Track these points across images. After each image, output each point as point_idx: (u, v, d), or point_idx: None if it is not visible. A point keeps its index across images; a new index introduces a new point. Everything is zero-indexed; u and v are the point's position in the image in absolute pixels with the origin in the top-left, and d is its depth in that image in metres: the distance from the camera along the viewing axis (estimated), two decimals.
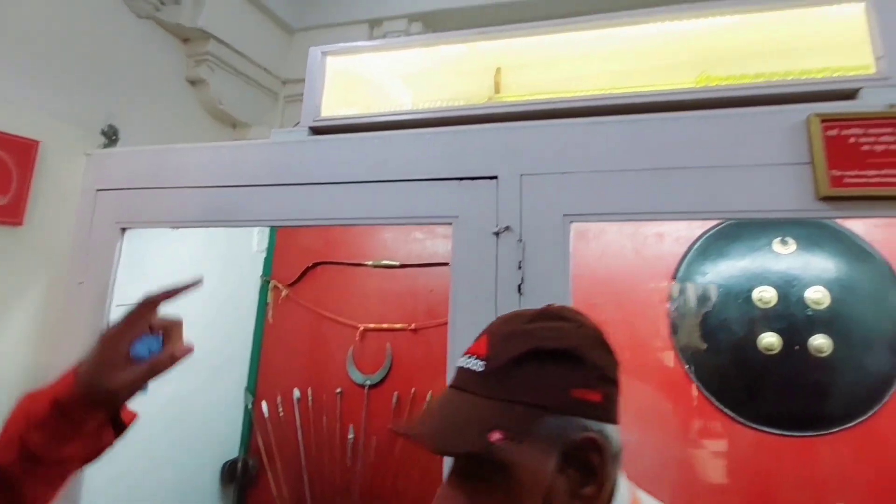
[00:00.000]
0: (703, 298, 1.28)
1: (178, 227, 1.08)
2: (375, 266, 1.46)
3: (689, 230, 1.36)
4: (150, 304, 0.57)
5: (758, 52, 1.04)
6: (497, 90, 1.08)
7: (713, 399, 1.22)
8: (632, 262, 1.38)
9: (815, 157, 0.80)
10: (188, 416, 1.34)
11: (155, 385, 0.58)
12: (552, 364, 0.45)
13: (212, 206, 1.06)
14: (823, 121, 0.81)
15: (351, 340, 1.47)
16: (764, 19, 0.99)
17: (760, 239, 1.28)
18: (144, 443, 1.17)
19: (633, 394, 1.29)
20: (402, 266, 1.44)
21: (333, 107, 1.07)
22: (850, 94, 0.87)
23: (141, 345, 0.57)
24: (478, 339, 0.50)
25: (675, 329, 1.29)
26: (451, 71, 1.17)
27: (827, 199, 0.78)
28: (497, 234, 0.88)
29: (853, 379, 1.16)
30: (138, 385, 0.56)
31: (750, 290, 1.23)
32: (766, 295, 1.22)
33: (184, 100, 1.37)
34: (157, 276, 1.28)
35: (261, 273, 1.57)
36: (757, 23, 1.01)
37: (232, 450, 1.48)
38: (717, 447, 1.24)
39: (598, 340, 0.48)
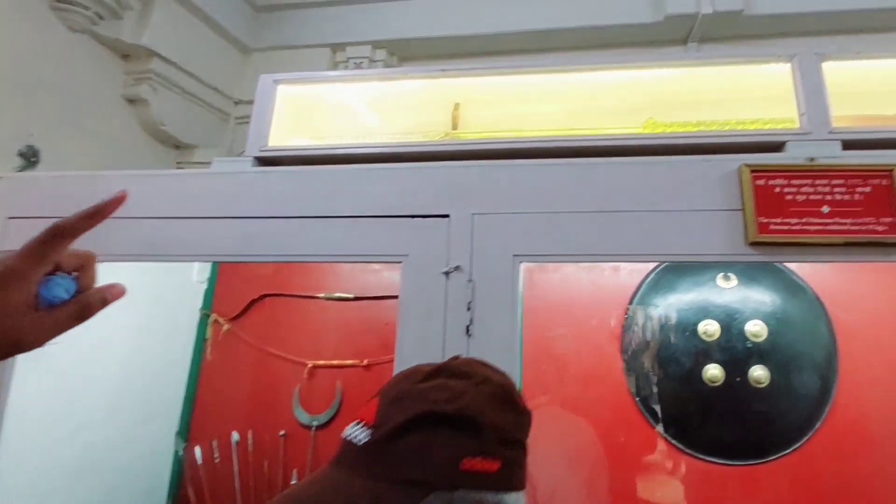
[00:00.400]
0: (653, 331, 1.32)
1: (100, 262, 1.00)
2: (328, 299, 1.41)
3: (644, 263, 1.42)
4: (60, 235, 0.43)
5: (700, 102, 1.12)
6: (454, 126, 1.10)
7: (661, 430, 1.26)
8: (589, 293, 1.41)
9: (746, 205, 0.86)
10: (107, 464, 1.21)
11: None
12: (445, 430, 0.41)
13: (144, 240, 0.99)
14: (752, 171, 0.88)
15: (298, 378, 1.40)
16: (705, 72, 1.07)
17: (706, 274, 1.34)
18: (57, 496, 1.05)
19: (584, 423, 1.31)
20: (357, 298, 1.40)
21: (284, 136, 1.04)
22: (777, 147, 0.95)
23: (53, 286, 0.44)
24: (370, 400, 0.46)
25: (626, 361, 1.32)
26: (411, 103, 1.18)
27: (755, 244, 0.84)
28: (447, 273, 0.88)
29: (788, 407, 1.23)
30: (53, 334, 0.44)
31: (696, 324, 1.29)
32: (710, 328, 1.28)
33: (121, 119, 1.30)
34: None
35: (200, 306, 1.47)
36: (699, 75, 1.09)
37: (158, 502, 1.35)
38: (666, 477, 1.27)
39: (502, 398, 0.45)
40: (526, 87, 1.10)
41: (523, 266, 0.89)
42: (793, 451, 1.21)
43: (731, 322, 1.28)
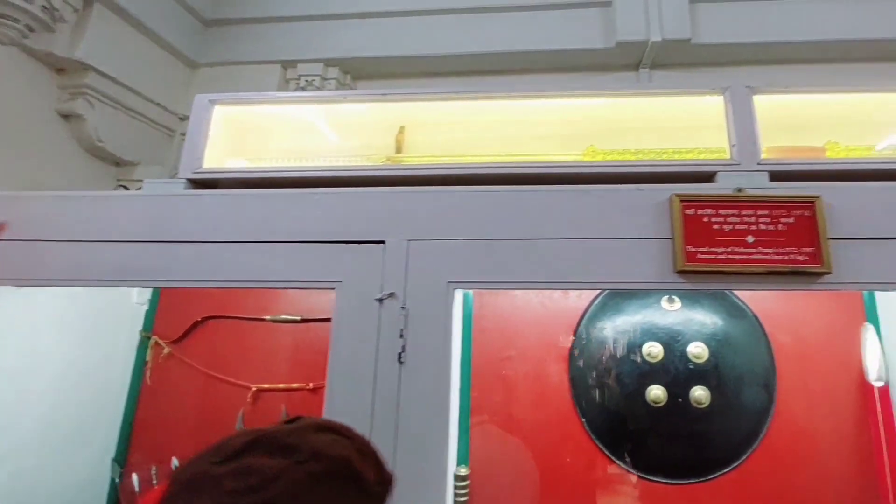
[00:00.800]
0: (599, 353, 1.34)
1: (22, 286, 0.96)
2: (274, 321, 1.38)
3: (575, 290, 1.44)
4: None
5: (641, 129, 1.15)
6: (398, 150, 1.10)
7: (606, 450, 1.27)
8: (538, 316, 1.43)
9: (675, 234, 0.88)
10: (38, 492, 1.15)
11: None
12: None
13: (72, 263, 0.96)
14: (682, 201, 0.90)
15: (242, 402, 1.36)
16: (644, 102, 1.11)
17: (651, 296, 1.37)
18: None
19: (531, 446, 1.31)
20: (304, 321, 1.38)
21: (220, 157, 1.02)
22: (709, 177, 0.98)
23: None
24: (160, 483, 0.39)
25: (573, 382, 1.34)
26: (356, 125, 1.18)
27: (682, 272, 0.86)
28: (381, 300, 0.87)
29: (728, 427, 1.26)
30: None
31: (640, 346, 1.31)
32: (653, 350, 1.31)
33: (56, 136, 1.25)
34: (4, 335, 1.14)
35: (141, 328, 1.42)
36: (638, 105, 1.12)
37: None
38: (610, 497, 1.28)
39: (335, 476, 0.37)
40: (471, 112, 1.11)
41: (458, 293, 0.89)
42: (732, 469, 1.24)
43: (673, 344, 1.31)
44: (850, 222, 0.88)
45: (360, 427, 0.81)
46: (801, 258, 0.87)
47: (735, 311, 1.36)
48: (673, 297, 1.37)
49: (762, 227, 0.89)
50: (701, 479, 1.24)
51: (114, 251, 0.96)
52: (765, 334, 1.35)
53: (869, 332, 1.36)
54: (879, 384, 1.29)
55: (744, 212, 0.90)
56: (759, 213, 0.90)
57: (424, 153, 1.09)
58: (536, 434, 1.33)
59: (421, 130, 1.13)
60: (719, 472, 1.24)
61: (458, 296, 0.89)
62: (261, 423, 1.47)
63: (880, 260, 0.86)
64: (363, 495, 0.38)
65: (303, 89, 1.47)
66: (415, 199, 0.92)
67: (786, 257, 0.88)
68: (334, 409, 0.83)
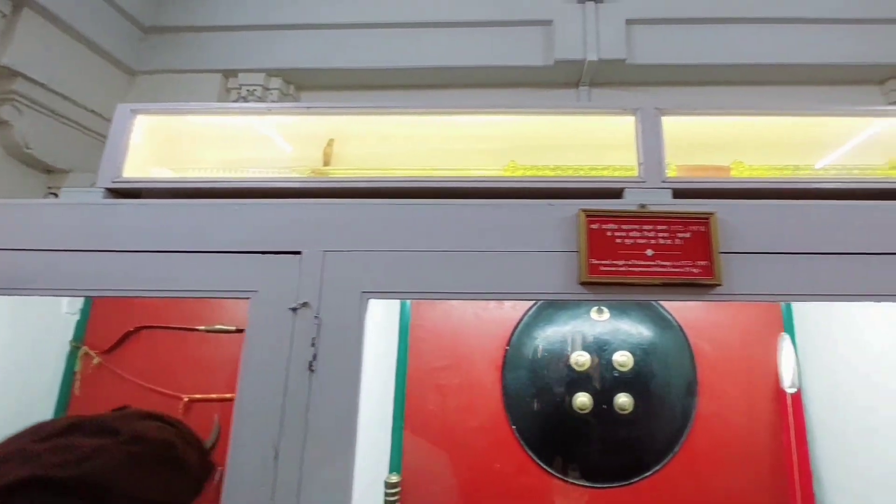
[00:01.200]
0: (530, 362, 1.39)
1: None
2: (208, 331, 1.39)
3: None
4: None
5: (561, 146, 1.22)
6: (326, 162, 1.13)
7: (534, 456, 1.32)
8: (474, 326, 1.47)
9: (581, 247, 0.94)
10: None
11: None
12: (51, 499, 0.35)
13: None
14: (588, 215, 0.96)
15: (174, 413, 1.35)
16: (563, 121, 1.17)
17: (582, 307, 1.44)
18: None
19: (463, 453, 1.35)
20: (238, 331, 1.39)
21: (143, 166, 1.03)
22: (618, 193, 1.04)
23: None
24: None
25: (505, 390, 1.38)
26: (285, 136, 1.20)
27: (585, 283, 0.91)
28: (294, 309, 0.89)
29: (651, 432, 1.32)
30: None
31: (569, 354, 1.37)
32: (581, 359, 1.36)
33: None
34: None
35: (71, 338, 1.40)
36: (559, 123, 1.18)
37: None
38: (537, 502, 1.33)
39: (155, 458, 0.40)
40: (398, 125, 1.15)
41: (372, 302, 0.92)
42: (653, 473, 1.30)
43: (601, 353, 1.37)
44: (741, 238, 0.95)
45: (270, 433, 0.84)
46: (695, 271, 0.94)
47: (661, 321, 1.44)
48: (602, 308, 1.43)
49: (661, 241, 0.96)
50: (623, 484, 1.30)
51: (36, 259, 0.96)
52: (688, 344, 1.43)
53: (785, 341, 1.45)
54: (792, 391, 1.38)
55: (644, 227, 0.96)
56: (659, 228, 0.96)
57: (352, 166, 1.12)
58: (469, 441, 1.36)
59: (351, 143, 1.16)
60: (640, 477, 1.30)
61: (373, 305, 0.92)
62: None
63: (766, 273, 0.93)
64: (184, 478, 0.41)
65: (244, 99, 1.49)
66: (333, 210, 0.95)
67: (681, 270, 0.94)
68: (243, 416, 0.85)
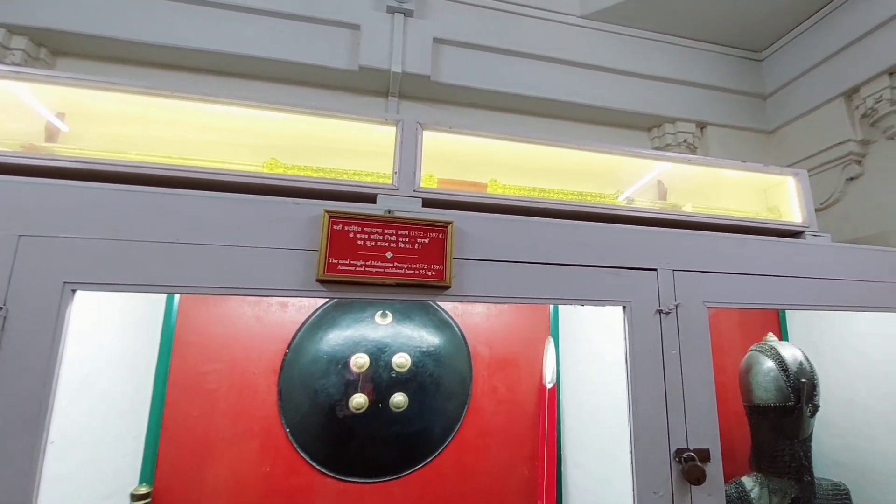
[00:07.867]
0: (311, 364, 1.48)
1: None
2: None
3: (313, 301, 1.58)
4: None
5: (331, 149, 1.33)
6: (49, 138, 1.08)
7: (306, 457, 1.41)
8: (252, 328, 1.50)
9: (322, 246, 1.05)
10: None
11: None
12: None
13: None
14: (331, 216, 1.08)
15: None
16: (329, 123, 1.28)
17: (367, 311, 1.57)
18: None
19: (230, 458, 1.37)
20: None
21: None
22: (371, 198, 1.19)
23: None
24: None
25: (281, 395, 1.44)
26: (10, 105, 1.12)
27: (322, 281, 1.03)
28: None
29: (424, 428, 1.50)
30: None
31: (349, 357, 1.49)
32: (360, 360, 1.49)
33: None
34: None
35: None
36: (324, 124, 1.28)
37: None
38: (307, 500, 1.42)
39: None
40: (151, 108, 1.15)
41: (78, 294, 0.91)
42: (424, 465, 1.48)
43: (380, 355, 1.51)
44: (472, 246, 1.16)
45: None
46: (429, 273, 1.11)
47: (442, 325, 1.64)
48: (386, 312, 1.58)
49: (402, 245, 1.11)
50: (395, 477, 1.45)
51: None
52: (466, 345, 1.66)
53: (550, 344, 1.76)
54: (549, 385, 1.68)
55: (387, 231, 1.11)
56: (401, 233, 1.12)
57: (88, 146, 1.10)
58: (237, 446, 1.39)
59: (91, 121, 1.13)
60: (411, 470, 1.47)
61: (80, 297, 0.91)
62: None
63: (488, 278, 1.15)
64: None
65: None
66: (41, 191, 0.93)
67: (416, 272, 1.10)
68: None
